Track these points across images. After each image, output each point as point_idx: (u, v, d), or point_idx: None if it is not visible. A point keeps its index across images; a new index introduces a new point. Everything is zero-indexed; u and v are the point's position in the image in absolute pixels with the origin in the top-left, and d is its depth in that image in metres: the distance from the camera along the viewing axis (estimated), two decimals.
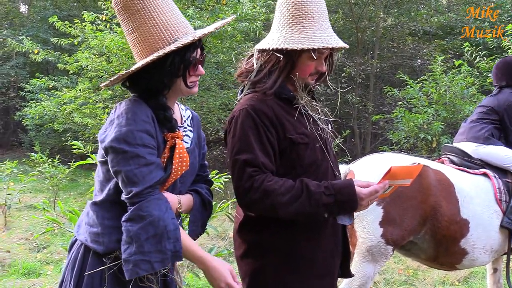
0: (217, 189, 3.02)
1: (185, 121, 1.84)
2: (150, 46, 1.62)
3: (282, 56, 1.77)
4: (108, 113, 8.29)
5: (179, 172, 1.68)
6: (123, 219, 1.55)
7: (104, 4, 8.74)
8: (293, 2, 1.77)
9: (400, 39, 14.80)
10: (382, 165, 3.02)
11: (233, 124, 1.77)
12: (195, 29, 1.73)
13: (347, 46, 1.83)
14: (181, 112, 1.86)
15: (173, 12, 1.66)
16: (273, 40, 1.79)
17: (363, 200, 1.70)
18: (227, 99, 9.65)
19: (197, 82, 1.74)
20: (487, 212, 3.16)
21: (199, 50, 1.69)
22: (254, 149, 1.70)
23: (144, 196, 1.53)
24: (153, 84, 1.64)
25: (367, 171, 3.05)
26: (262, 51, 1.83)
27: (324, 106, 1.98)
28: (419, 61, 14.92)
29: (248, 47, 9.62)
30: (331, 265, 1.92)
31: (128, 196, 1.54)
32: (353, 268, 3.00)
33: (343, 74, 12.30)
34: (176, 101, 1.84)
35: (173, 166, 1.64)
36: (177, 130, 1.70)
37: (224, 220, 5.90)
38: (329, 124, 1.95)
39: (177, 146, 1.66)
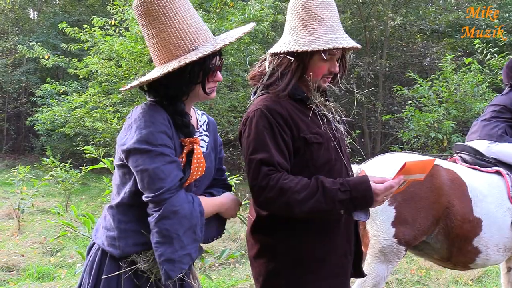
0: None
1: (200, 126, 1.86)
2: (170, 52, 1.63)
3: (293, 59, 1.78)
4: (118, 118, 8.38)
5: (193, 177, 1.69)
6: (153, 220, 1.54)
7: (113, 9, 8.82)
8: (303, 5, 1.79)
9: (409, 38, 14.75)
10: (394, 164, 3.01)
11: (248, 124, 1.78)
12: None
13: (359, 46, 1.84)
14: (197, 117, 1.88)
15: (193, 18, 1.67)
16: (285, 43, 1.81)
17: (378, 196, 1.70)
18: (236, 100, 9.68)
19: (215, 88, 1.76)
20: (501, 210, 3.14)
21: (217, 57, 1.71)
22: (269, 148, 1.71)
23: (173, 192, 1.55)
24: (171, 91, 1.65)
25: (378, 171, 3.04)
26: (274, 54, 1.84)
27: (338, 105, 1.99)
28: (428, 59, 14.83)
29: (256, 48, 9.66)
30: (344, 264, 1.92)
31: (156, 193, 1.52)
32: (366, 268, 3.00)
33: (351, 75, 12.27)
34: (192, 106, 1.86)
35: (192, 171, 1.66)
36: (194, 136, 1.71)
37: (236, 221, 5.90)
38: (343, 124, 1.96)
39: (195, 151, 1.67)
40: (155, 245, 1.55)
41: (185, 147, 1.67)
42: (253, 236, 1.92)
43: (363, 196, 1.69)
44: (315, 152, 1.79)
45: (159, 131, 1.57)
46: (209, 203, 1.73)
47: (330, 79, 1.88)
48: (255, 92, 1.92)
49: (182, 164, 1.65)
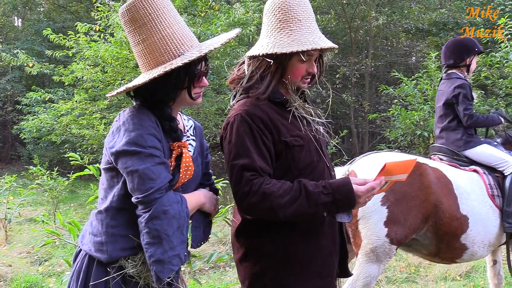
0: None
1: (187, 131, 1.87)
2: (156, 58, 1.65)
3: (272, 61, 1.79)
4: (105, 124, 8.33)
5: (181, 181, 1.70)
6: (143, 221, 1.54)
7: (98, 15, 8.78)
8: (279, 7, 1.80)
9: (394, 37, 14.87)
10: (380, 163, 3.05)
11: (229, 129, 1.78)
12: None
13: (336, 46, 1.86)
14: (183, 122, 1.89)
15: (179, 25, 1.68)
16: (263, 46, 1.82)
17: (360, 198, 1.71)
18: (223, 104, 9.66)
19: (201, 93, 1.78)
20: (484, 208, 3.21)
21: (203, 63, 1.72)
22: (251, 153, 1.72)
23: (163, 192, 1.55)
24: (158, 96, 1.66)
25: (367, 170, 3.08)
26: (252, 57, 1.85)
27: (317, 107, 2.00)
28: (413, 58, 14.98)
29: (242, 51, 9.65)
30: (330, 265, 1.93)
31: (146, 193, 1.52)
32: (357, 268, 3.02)
33: (337, 76, 12.34)
34: (179, 111, 1.87)
35: (181, 175, 1.67)
36: (182, 140, 1.73)
37: (225, 225, 5.90)
38: (323, 125, 1.97)
39: (183, 155, 1.69)
40: (145, 246, 1.55)
41: (174, 151, 1.68)
42: (238, 240, 1.92)
43: (345, 198, 1.70)
44: (297, 155, 1.80)
45: (148, 133, 1.58)
46: (190, 201, 1.74)
47: (309, 80, 1.90)
48: (235, 96, 1.93)
49: (171, 168, 1.66)
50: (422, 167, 3.10)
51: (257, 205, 1.69)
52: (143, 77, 1.65)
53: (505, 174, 3.33)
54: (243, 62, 1.91)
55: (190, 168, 1.71)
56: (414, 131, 7.96)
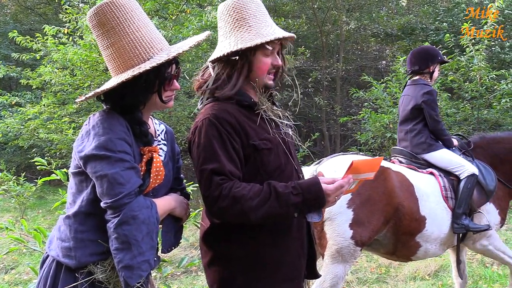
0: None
1: (158, 135, 1.86)
2: (125, 62, 1.63)
3: (238, 57, 1.80)
4: (74, 128, 8.17)
5: (152, 185, 1.69)
6: (112, 226, 1.52)
7: (66, 17, 8.62)
8: (233, 7, 1.83)
9: (364, 41, 15.10)
10: (346, 164, 3.12)
11: (197, 134, 1.77)
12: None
13: (294, 36, 1.90)
14: (154, 126, 1.87)
15: (148, 28, 1.67)
16: (225, 47, 1.82)
17: (330, 196, 1.73)
18: (195, 107, 9.60)
19: (173, 96, 1.76)
20: (439, 208, 3.38)
21: (174, 66, 1.71)
22: (220, 157, 1.71)
23: (132, 197, 1.53)
24: (128, 100, 1.64)
25: (334, 171, 3.14)
26: (216, 60, 1.85)
27: (289, 110, 2.02)
28: (383, 62, 15.24)
29: None
30: (298, 267, 1.94)
31: (115, 198, 1.51)
32: (324, 269, 3.06)
33: (309, 79, 12.45)
34: (150, 115, 1.85)
35: (151, 180, 1.66)
36: (153, 144, 1.71)
37: (196, 229, 5.86)
38: (291, 128, 1.99)
39: (154, 160, 1.67)
40: (114, 251, 1.53)
41: (145, 156, 1.67)
42: (205, 244, 1.92)
43: (315, 197, 1.72)
44: (265, 158, 1.81)
45: (118, 137, 1.56)
46: (160, 206, 1.72)
47: (273, 74, 1.91)
48: (202, 101, 1.92)
49: (142, 172, 1.65)
50: (386, 171, 3.22)
51: (228, 209, 1.68)
52: (112, 82, 1.63)
53: (461, 178, 3.46)
54: (207, 67, 1.91)
55: (160, 173, 1.70)
56: (384, 133, 8.11)
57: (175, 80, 1.73)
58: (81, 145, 1.59)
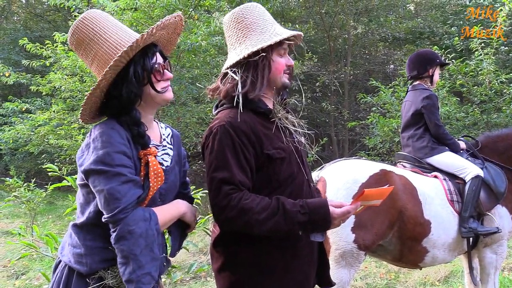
0: (194, 204, 3.01)
1: (164, 139, 1.86)
2: (109, 64, 1.65)
3: (258, 58, 1.82)
4: (83, 134, 8.23)
5: (155, 187, 1.70)
6: (112, 241, 1.55)
7: None
8: (242, 15, 1.88)
9: (372, 45, 15.09)
10: (351, 171, 3.15)
11: (211, 140, 1.78)
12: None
13: (301, 34, 1.96)
14: (160, 130, 1.88)
15: (123, 30, 1.71)
16: (241, 51, 1.84)
17: (335, 220, 1.76)
18: (204, 113, 9.65)
19: (169, 87, 1.76)
20: (445, 212, 3.30)
21: (159, 56, 1.73)
22: (231, 167, 1.72)
23: (129, 211, 1.55)
24: (124, 97, 1.66)
25: (336, 177, 3.14)
26: (236, 65, 1.86)
27: (299, 118, 2.03)
28: (391, 66, 15.20)
29: (222, 60, 9.66)
30: (307, 274, 1.94)
31: (112, 213, 1.53)
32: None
33: (317, 84, 12.44)
34: (155, 120, 1.86)
35: (151, 184, 1.67)
36: (149, 146, 1.71)
37: (205, 235, 5.87)
38: (304, 136, 2.00)
39: (150, 162, 1.68)
40: (118, 264, 1.57)
41: (142, 160, 1.68)
42: (216, 250, 1.93)
43: (321, 219, 1.74)
44: (278, 168, 1.82)
45: (116, 151, 1.58)
46: (165, 212, 1.73)
47: (288, 75, 1.93)
48: (217, 106, 1.95)
49: (142, 175, 1.67)
50: (389, 175, 3.20)
51: (235, 219, 1.71)
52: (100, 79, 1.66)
53: (466, 181, 3.40)
54: (223, 76, 1.91)
55: (159, 174, 1.70)
56: (392, 138, 8.09)
57: (166, 70, 1.75)
58: (81, 158, 1.63)
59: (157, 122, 1.88)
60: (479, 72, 7.76)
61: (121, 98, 1.66)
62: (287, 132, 1.90)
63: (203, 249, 5.94)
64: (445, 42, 11.55)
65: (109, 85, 1.66)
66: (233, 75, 1.86)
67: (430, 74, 3.83)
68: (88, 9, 9.84)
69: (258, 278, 1.83)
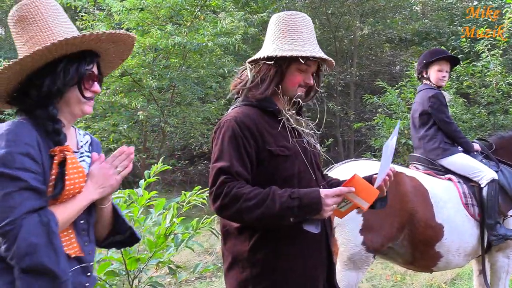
0: (200, 204, 3.01)
1: (82, 147, 1.71)
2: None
3: (272, 63, 1.86)
4: (91, 133, 8.25)
5: (77, 186, 1.53)
6: (11, 261, 1.36)
7: (82, 24, 8.75)
8: (284, 19, 1.92)
9: (378, 46, 15.05)
10: (360, 172, 3.08)
11: (218, 133, 1.87)
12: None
13: (333, 61, 1.98)
14: (77, 137, 1.72)
15: (69, 26, 1.60)
16: (265, 51, 1.91)
17: (327, 198, 1.73)
18: (209, 113, 9.67)
19: (92, 102, 1.65)
20: (460, 216, 3.23)
21: (95, 65, 1.62)
22: (231, 158, 1.78)
23: (17, 222, 1.34)
24: (44, 89, 1.51)
25: (346, 178, 3.10)
26: (254, 61, 1.93)
27: (309, 119, 2.04)
28: (397, 67, 15.16)
29: (228, 61, 9.68)
30: (315, 275, 1.93)
31: (2, 224, 1.34)
32: (336, 276, 3.02)
33: (322, 84, 12.43)
34: (73, 125, 1.71)
35: (67, 182, 1.50)
36: (65, 144, 1.55)
37: (211, 235, 5.86)
38: (313, 137, 2.00)
39: (68, 159, 1.51)
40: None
41: (56, 157, 1.49)
42: (226, 248, 1.95)
43: (313, 203, 1.72)
44: (280, 165, 1.85)
45: (20, 152, 1.40)
46: (65, 209, 1.51)
47: (303, 88, 1.95)
48: (235, 101, 2.01)
49: (54, 176, 1.48)
50: (399, 176, 3.12)
51: (228, 206, 1.74)
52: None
53: (481, 186, 3.34)
54: (246, 68, 1.98)
55: (80, 170, 1.54)
56: (398, 139, 8.04)
57: (96, 83, 1.63)
58: None
59: (74, 128, 1.73)
60: (486, 74, 7.72)
61: (41, 88, 1.51)
62: (295, 132, 1.92)
63: (208, 249, 5.94)
64: (452, 43, 11.50)
65: (33, 69, 1.50)
66: (248, 70, 1.94)
67: (425, 75, 3.82)
68: (94, 9, 9.90)
69: (264, 278, 1.83)
